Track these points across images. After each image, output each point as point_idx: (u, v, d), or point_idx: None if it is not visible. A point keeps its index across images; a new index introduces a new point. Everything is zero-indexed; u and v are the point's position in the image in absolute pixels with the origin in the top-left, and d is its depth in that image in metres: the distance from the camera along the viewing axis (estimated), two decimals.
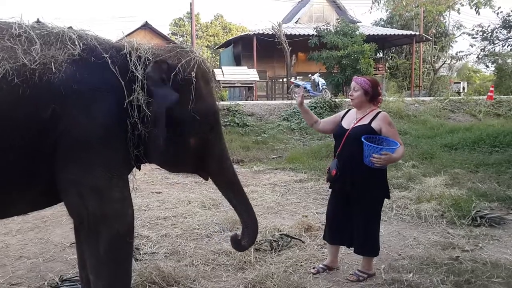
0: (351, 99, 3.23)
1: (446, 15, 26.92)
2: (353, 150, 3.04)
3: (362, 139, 2.96)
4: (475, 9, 11.66)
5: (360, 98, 3.16)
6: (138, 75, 2.27)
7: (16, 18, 2.23)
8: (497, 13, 10.11)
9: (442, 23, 27.30)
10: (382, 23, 28.28)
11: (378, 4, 24.89)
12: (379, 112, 3.18)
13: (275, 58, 21.90)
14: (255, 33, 20.21)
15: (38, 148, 2.07)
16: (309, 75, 17.94)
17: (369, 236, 3.19)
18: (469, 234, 4.14)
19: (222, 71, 17.17)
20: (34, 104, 2.02)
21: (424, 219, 4.60)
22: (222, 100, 15.97)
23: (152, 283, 3.08)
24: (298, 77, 19.45)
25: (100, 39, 2.36)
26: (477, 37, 10.73)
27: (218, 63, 26.75)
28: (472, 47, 23.43)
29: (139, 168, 2.54)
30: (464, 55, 26.47)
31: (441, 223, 4.49)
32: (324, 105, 12.25)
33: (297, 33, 20.40)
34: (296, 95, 3.41)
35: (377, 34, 21.85)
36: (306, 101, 13.08)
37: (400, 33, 22.98)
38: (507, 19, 9.69)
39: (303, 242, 3.96)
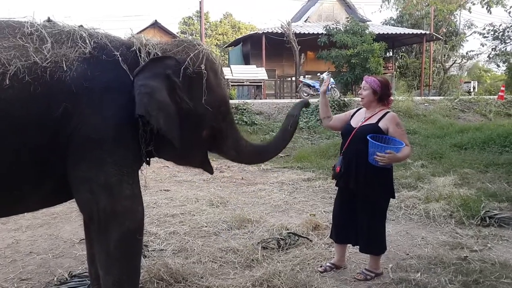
0: (361, 98, 3.24)
1: (457, 14, 26.69)
2: (359, 148, 3.05)
3: (368, 138, 2.96)
4: (486, 8, 11.62)
5: (368, 97, 3.16)
6: None
7: (28, 17, 2.26)
8: (509, 12, 10.03)
9: (452, 22, 27.07)
10: (392, 22, 28.10)
11: (388, 3, 24.87)
12: (388, 112, 3.18)
13: (284, 57, 21.87)
14: (264, 31, 20.18)
15: (50, 145, 2.09)
16: (318, 74, 17.88)
17: (374, 235, 3.18)
18: (478, 234, 4.12)
19: (231, 70, 17.15)
20: (45, 102, 2.04)
21: (433, 218, 4.58)
22: (231, 99, 15.99)
23: (160, 280, 3.10)
24: (307, 76, 19.39)
25: (110, 37, 2.38)
26: (488, 36, 10.67)
27: (227, 62, 26.75)
28: (483, 46, 23.20)
29: (148, 163, 2.56)
30: (475, 55, 26.35)
31: (449, 223, 4.47)
32: (333, 104, 12.20)
33: (306, 32, 20.33)
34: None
35: (387, 33, 21.71)
36: (314, 100, 13.02)
37: (410, 32, 22.79)
38: None
39: (310, 240, 3.96)
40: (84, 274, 3.22)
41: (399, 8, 26.02)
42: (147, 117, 2.18)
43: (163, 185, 6.41)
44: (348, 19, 20.16)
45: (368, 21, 23.10)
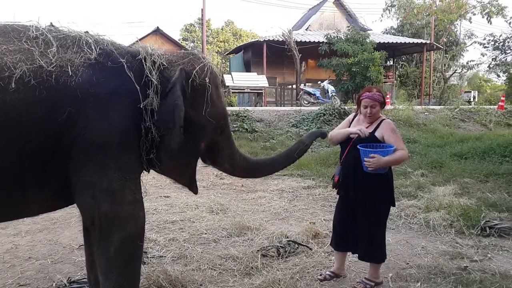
0: (369, 116, 3.18)
1: (457, 24, 26.80)
2: (356, 157, 3.05)
3: (358, 146, 3.00)
4: (487, 18, 11.58)
5: (378, 113, 3.21)
6: (153, 80, 2.32)
7: (33, 22, 2.27)
8: (509, 23, 10.07)
9: (453, 32, 27.19)
10: (392, 31, 28.25)
11: (389, 12, 24.94)
12: (383, 120, 3.21)
13: (285, 65, 21.96)
14: (266, 39, 20.29)
15: (53, 149, 2.10)
16: (319, 82, 17.95)
17: (374, 243, 3.18)
18: (478, 244, 4.10)
19: (232, 77, 17.21)
20: (50, 106, 2.05)
21: (433, 228, 4.57)
22: (231, 106, 16.03)
23: (159, 287, 3.10)
24: (307, 84, 19.45)
25: (116, 44, 2.41)
26: (488, 47, 10.71)
27: (228, 69, 26.84)
28: (483, 56, 23.25)
29: (148, 171, 2.57)
30: (475, 64, 26.42)
31: (449, 232, 4.45)
32: (333, 112, 12.22)
33: (307, 40, 20.43)
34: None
35: (388, 42, 21.82)
36: (315, 108, 13.08)
37: (411, 41, 22.91)
38: None
39: (310, 248, 3.95)
40: (83, 280, 3.21)
41: (399, 18, 26.06)
42: (172, 129, 2.24)
43: (163, 191, 6.41)
44: (349, 27, 20.28)
45: (369, 30, 23.22)
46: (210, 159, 2.75)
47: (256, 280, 3.27)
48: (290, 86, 22.36)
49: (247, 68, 22.48)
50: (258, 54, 20.75)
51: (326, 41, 19.05)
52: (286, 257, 3.77)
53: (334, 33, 19.39)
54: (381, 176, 3.06)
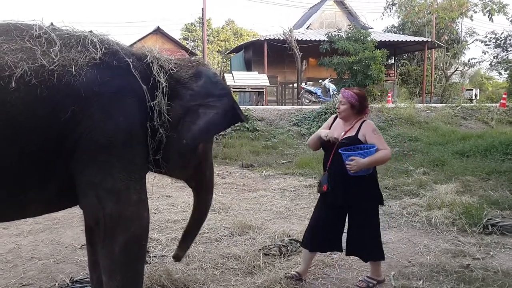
0: (338, 112, 3.20)
1: (458, 22, 26.79)
2: (343, 163, 2.99)
3: (339, 151, 2.97)
4: (488, 16, 11.59)
5: (347, 112, 3.14)
6: (162, 82, 2.35)
7: (36, 21, 2.27)
8: (511, 20, 10.05)
9: (454, 29, 27.16)
10: (394, 29, 28.21)
11: (390, 10, 24.96)
12: (364, 121, 3.16)
13: (286, 64, 21.94)
14: (266, 38, 20.28)
15: (55, 149, 2.09)
16: (320, 81, 17.93)
17: (371, 243, 3.17)
18: (480, 242, 4.10)
19: (233, 76, 17.21)
20: (51, 105, 2.04)
21: (435, 226, 4.56)
22: None
23: (161, 286, 3.10)
24: (308, 83, 19.44)
25: (121, 45, 2.42)
26: (490, 44, 10.71)
27: (229, 68, 26.83)
28: (485, 54, 23.31)
29: (152, 171, 2.58)
30: (477, 62, 26.38)
31: (452, 230, 4.45)
32: (335, 110, 12.16)
33: (308, 39, 20.41)
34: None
35: (389, 40, 21.78)
36: (316, 107, 13.05)
37: (412, 40, 22.88)
38: None
39: None
40: (85, 279, 3.22)
41: (401, 16, 26.10)
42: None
43: (164, 191, 6.41)
44: (350, 26, 20.28)
45: (370, 28, 23.19)
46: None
47: (258, 279, 3.26)
48: (291, 85, 22.34)
49: (248, 67, 22.47)
50: (259, 53, 20.73)
51: (327, 39, 19.03)
52: (288, 256, 3.77)
53: (335, 31, 19.37)
54: (366, 177, 3.03)
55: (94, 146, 2.13)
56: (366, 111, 3.20)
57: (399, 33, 26.25)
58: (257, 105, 16.21)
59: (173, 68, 2.45)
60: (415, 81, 25.61)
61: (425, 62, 23.75)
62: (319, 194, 3.32)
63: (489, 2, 12.60)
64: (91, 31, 2.39)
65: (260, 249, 3.84)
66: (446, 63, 27.89)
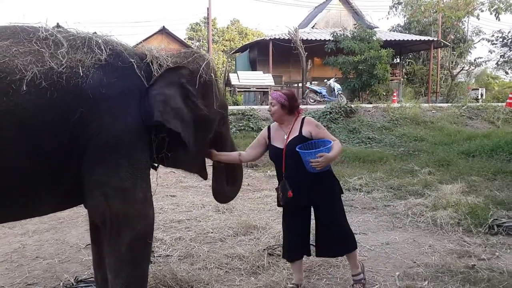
0: (271, 114, 3.18)
1: (465, 21, 26.57)
2: (296, 165, 2.95)
3: (297, 149, 2.91)
4: (495, 15, 11.47)
5: (278, 112, 3.10)
6: None
7: (41, 23, 2.29)
8: None
9: (460, 28, 26.98)
10: (399, 28, 28.08)
11: (396, 10, 24.81)
12: (303, 118, 3.13)
13: (291, 63, 21.92)
14: (271, 38, 20.26)
15: (65, 149, 2.12)
16: (325, 80, 17.89)
17: (343, 236, 3.12)
18: (486, 243, 4.07)
19: (238, 76, 17.21)
20: (61, 107, 2.07)
21: (440, 226, 4.54)
22: (237, 105, 16.02)
23: (165, 286, 3.11)
24: (313, 82, 19.40)
25: (124, 45, 2.45)
26: (496, 43, 10.64)
27: (234, 68, 26.84)
28: (491, 53, 23.16)
29: (156, 169, 2.63)
30: (483, 61, 26.20)
31: (457, 231, 4.42)
32: (340, 110, 12.17)
33: (313, 38, 20.37)
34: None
35: (394, 40, 21.71)
36: (321, 106, 12.97)
37: (418, 39, 22.78)
38: None
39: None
40: (90, 279, 3.23)
41: (406, 15, 25.95)
42: (165, 123, 2.29)
43: (169, 190, 6.42)
44: (356, 25, 20.19)
45: (376, 27, 23.10)
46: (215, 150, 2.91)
47: (263, 279, 3.26)
48: (296, 85, 22.30)
49: (253, 66, 22.46)
50: (264, 52, 20.71)
51: (332, 39, 19.00)
52: None
53: (340, 31, 19.33)
54: (324, 172, 2.98)
55: (103, 147, 2.17)
56: (298, 110, 3.15)
57: (405, 32, 26.13)
58: (262, 104, 16.20)
59: (171, 65, 2.50)
60: (420, 81, 25.49)
61: (431, 61, 23.62)
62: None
63: (496, 1, 12.49)
64: (95, 32, 2.41)
65: (264, 249, 3.84)
66: (452, 62, 27.70)
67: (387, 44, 19.17)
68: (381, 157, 8.45)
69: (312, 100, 16.42)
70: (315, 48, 19.58)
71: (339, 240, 3.12)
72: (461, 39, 27.80)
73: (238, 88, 16.82)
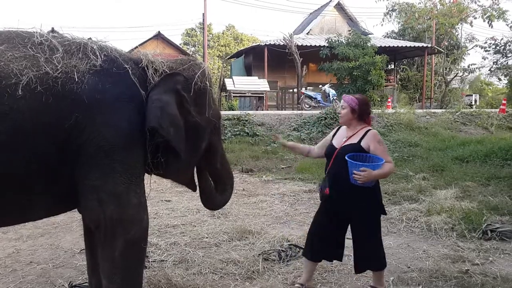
0: (340, 117, 3.19)
1: (458, 28, 26.81)
2: (341, 168, 2.96)
3: (346, 158, 2.91)
4: (488, 22, 11.59)
5: (347, 116, 3.11)
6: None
7: (35, 28, 2.29)
8: (510, 26, 10.08)
9: (454, 35, 27.21)
10: (394, 35, 28.28)
11: (390, 16, 24.99)
12: (369, 130, 3.10)
13: (286, 69, 21.98)
14: (267, 43, 20.33)
15: (60, 155, 2.12)
16: (320, 86, 17.96)
17: (373, 253, 3.10)
18: (480, 248, 4.10)
19: (233, 81, 17.24)
20: (57, 112, 2.07)
21: (434, 231, 4.56)
22: (232, 110, 16.04)
23: None
24: (308, 88, 19.45)
25: (119, 51, 2.46)
26: (489, 50, 10.69)
27: (229, 73, 26.88)
28: (484, 60, 23.31)
29: (150, 174, 2.62)
30: (477, 68, 26.38)
31: (451, 236, 4.45)
32: (335, 116, 12.20)
33: (308, 44, 20.46)
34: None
35: (389, 46, 21.83)
36: (316, 112, 13.02)
37: (412, 45, 22.93)
38: None
39: None
40: (84, 284, 3.22)
41: (401, 22, 26.12)
42: (159, 129, 2.28)
43: (164, 195, 6.41)
44: (350, 31, 20.31)
45: (370, 34, 23.25)
46: (204, 159, 2.81)
47: (258, 284, 3.27)
48: (291, 90, 22.38)
49: (248, 72, 22.50)
50: (259, 58, 20.77)
51: (327, 45, 19.08)
52: (288, 261, 3.77)
53: (335, 37, 19.42)
54: (368, 188, 2.98)
55: (97, 152, 2.17)
56: (368, 118, 3.17)
57: (399, 39, 26.30)
58: (257, 110, 16.22)
59: (167, 70, 2.50)
60: (415, 87, 25.64)
61: (425, 67, 23.79)
62: (319, 199, 3.27)
63: (489, 8, 12.62)
64: (90, 38, 2.42)
65: (259, 254, 3.84)
66: (446, 68, 27.91)
67: (381, 50, 19.28)
68: None
69: (307, 106, 16.47)
70: (310, 54, 19.66)
71: (367, 257, 3.11)
72: (454, 46, 28.03)
73: (233, 93, 16.84)
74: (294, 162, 9.09)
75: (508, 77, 23.17)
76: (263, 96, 17.26)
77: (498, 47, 10.28)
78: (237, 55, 26.17)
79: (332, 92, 17.06)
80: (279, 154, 9.84)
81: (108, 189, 2.21)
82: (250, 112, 13.42)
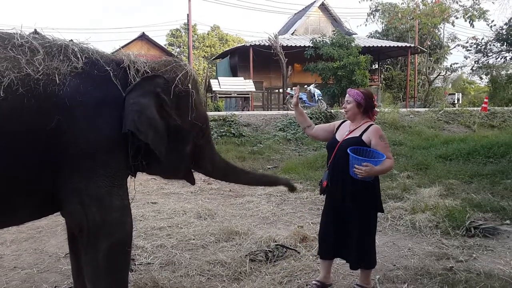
0: (345, 111, 3.20)
1: (441, 28, 27.19)
2: (343, 162, 2.99)
3: (348, 151, 2.93)
4: (469, 22, 11.76)
5: (353, 110, 3.14)
6: None
7: (16, 29, 2.26)
8: (491, 26, 10.25)
9: (437, 35, 27.55)
10: (377, 35, 28.54)
11: (373, 16, 25.26)
12: (371, 124, 3.13)
13: (271, 69, 22.04)
14: (252, 44, 20.36)
15: (42, 157, 2.10)
16: (305, 86, 18.03)
17: (364, 250, 3.11)
18: (463, 245, 4.16)
19: (219, 82, 17.23)
20: (38, 114, 2.05)
21: (419, 229, 4.61)
22: (218, 111, 16.02)
23: None
24: (294, 88, 19.49)
25: (100, 53, 2.43)
26: (471, 50, 10.84)
27: (215, 74, 26.84)
28: (466, 59, 23.55)
29: (134, 176, 2.60)
30: (459, 67, 26.80)
31: (435, 233, 4.50)
32: (320, 115, 12.30)
33: (293, 45, 20.54)
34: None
35: (373, 46, 22.04)
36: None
37: (395, 45, 23.19)
38: (500, 32, 9.80)
39: (298, 252, 3.96)
40: None
41: (384, 22, 26.40)
42: (136, 133, 2.25)
43: (150, 197, 6.37)
44: (334, 32, 20.44)
45: (354, 34, 23.43)
46: (194, 161, 2.80)
47: (245, 285, 3.27)
48: (276, 90, 22.43)
49: (234, 72, 22.51)
50: (244, 58, 20.79)
51: (312, 45, 19.18)
52: (275, 261, 3.78)
53: (319, 37, 19.53)
54: (368, 182, 3.00)
55: (79, 154, 2.15)
56: (373, 113, 3.21)
57: (383, 39, 26.57)
58: (243, 110, 16.23)
59: (148, 71, 2.48)
60: (398, 86, 25.94)
61: (408, 67, 24.07)
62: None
63: (470, 9, 12.81)
64: (71, 40, 2.40)
65: (246, 255, 3.84)
66: (429, 68, 28.28)
67: (365, 50, 19.45)
68: None
69: (292, 106, 16.49)
70: (295, 54, 19.74)
71: (356, 253, 3.11)
72: (437, 45, 28.41)
73: (219, 94, 16.83)
74: (281, 162, 9.10)
75: (489, 75, 23.57)
76: (249, 97, 17.28)
77: (479, 47, 10.44)
78: (223, 55, 26.16)
79: (317, 92, 17.14)
80: (265, 155, 9.85)
81: (91, 192, 2.19)
82: (236, 112, 13.42)
